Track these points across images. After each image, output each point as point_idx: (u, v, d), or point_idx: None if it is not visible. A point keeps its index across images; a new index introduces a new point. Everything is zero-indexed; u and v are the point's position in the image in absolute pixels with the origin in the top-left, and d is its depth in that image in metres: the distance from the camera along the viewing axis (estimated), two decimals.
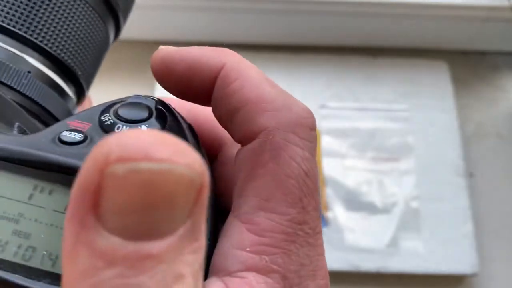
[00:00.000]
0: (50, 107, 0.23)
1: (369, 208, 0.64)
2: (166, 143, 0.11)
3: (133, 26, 0.76)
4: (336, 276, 0.62)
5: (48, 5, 0.24)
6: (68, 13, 0.24)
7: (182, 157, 0.12)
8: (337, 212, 0.64)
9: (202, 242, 0.13)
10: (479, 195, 0.68)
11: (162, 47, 0.20)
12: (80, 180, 0.12)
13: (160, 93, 0.70)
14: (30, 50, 0.23)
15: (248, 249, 0.18)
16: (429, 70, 0.75)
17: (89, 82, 0.27)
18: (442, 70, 0.75)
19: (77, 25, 0.24)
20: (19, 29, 0.23)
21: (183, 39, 0.76)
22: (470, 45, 0.78)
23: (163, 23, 0.75)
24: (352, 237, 0.62)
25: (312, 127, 0.19)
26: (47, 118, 0.23)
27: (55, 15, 0.24)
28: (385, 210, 0.64)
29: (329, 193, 0.65)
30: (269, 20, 0.74)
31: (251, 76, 0.19)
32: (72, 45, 0.24)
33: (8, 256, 0.17)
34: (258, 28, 0.75)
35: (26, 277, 0.17)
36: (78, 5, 0.25)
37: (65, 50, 0.24)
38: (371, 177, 0.66)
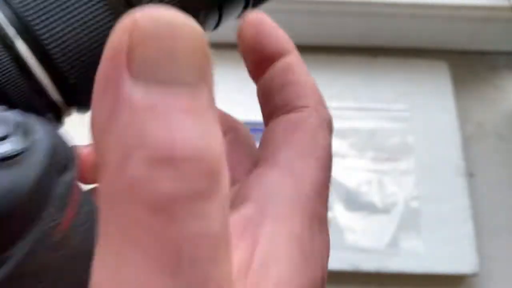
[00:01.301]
0: None
1: (369, 208, 0.64)
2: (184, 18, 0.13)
3: None
4: (336, 276, 0.62)
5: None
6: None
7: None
8: (337, 212, 0.64)
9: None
10: (479, 195, 0.68)
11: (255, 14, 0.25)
12: (112, 42, 0.12)
13: None
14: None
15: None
16: (429, 70, 0.75)
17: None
18: (442, 70, 0.75)
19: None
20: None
21: None
22: (470, 45, 0.78)
23: None
24: (352, 237, 0.62)
25: (332, 130, 0.23)
26: None
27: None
28: (385, 210, 0.64)
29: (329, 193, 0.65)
30: None
31: (306, 71, 0.25)
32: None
33: None
34: None
35: None
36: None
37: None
38: (371, 177, 0.66)
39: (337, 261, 0.61)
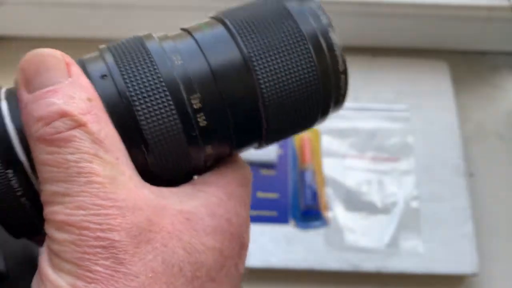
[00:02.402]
0: None
1: (369, 208, 0.64)
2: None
3: (134, 26, 0.76)
4: (336, 276, 0.62)
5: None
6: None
7: (48, 51, 0.23)
8: (337, 212, 0.64)
9: (91, 91, 0.22)
10: (479, 195, 0.68)
11: None
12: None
13: None
14: None
15: None
16: (429, 70, 0.75)
17: None
18: (442, 70, 0.75)
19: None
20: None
21: None
22: (470, 45, 0.78)
23: (164, 23, 0.75)
24: (352, 237, 0.62)
25: None
26: None
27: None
28: (385, 210, 0.64)
29: (329, 193, 0.65)
30: None
31: None
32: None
33: None
34: None
35: None
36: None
37: None
38: (371, 177, 0.66)
39: (337, 261, 0.61)
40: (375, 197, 0.65)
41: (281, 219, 0.63)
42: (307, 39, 0.26)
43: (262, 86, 0.24)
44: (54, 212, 0.21)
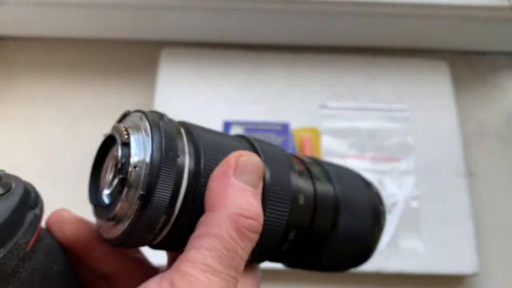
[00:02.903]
0: None
1: None
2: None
3: (134, 26, 0.76)
4: (336, 276, 0.62)
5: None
6: None
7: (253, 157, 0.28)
8: None
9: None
10: (479, 195, 0.68)
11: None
12: (228, 160, 0.27)
13: (161, 93, 0.69)
14: None
15: None
16: (429, 70, 0.75)
17: None
18: (442, 70, 0.75)
19: None
20: None
21: (184, 39, 0.76)
22: (470, 45, 0.78)
23: (164, 23, 0.75)
24: None
25: None
26: None
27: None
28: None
29: None
30: (269, 20, 0.74)
31: None
32: None
33: None
34: (258, 28, 0.75)
35: None
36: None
37: None
38: (371, 177, 0.66)
39: None
40: None
41: None
42: (373, 210, 0.34)
43: (341, 224, 0.32)
44: (197, 278, 0.24)
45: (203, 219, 0.26)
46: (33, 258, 0.25)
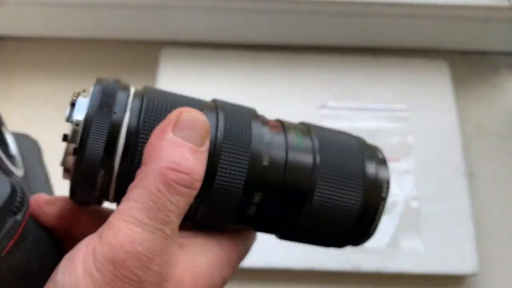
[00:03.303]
0: None
1: None
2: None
3: (134, 26, 0.76)
4: (336, 276, 0.62)
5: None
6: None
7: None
8: None
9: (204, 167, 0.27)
10: (479, 195, 0.68)
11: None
12: (170, 116, 0.27)
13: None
14: None
15: None
16: (429, 70, 0.75)
17: None
18: (442, 70, 0.75)
19: None
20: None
21: (184, 39, 0.76)
22: (470, 45, 0.78)
23: (164, 24, 0.75)
24: None
25: None
26: None
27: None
28: (385, 210, 0.64)
29: None
30: (269, 20, 0.74)
31: None
32: None
33: None
34: (258, 28, 0.75)
35: None
36: None
37: None
38: None
39: (337, 261, 0.61)
40: None
41: None
42: (364, 179, 0.31)
43: (316, 191, 0.29)
44: (120, 229, 0.24)
45: (137, 172, 0.26)
46: (9, 260, 0.26)
